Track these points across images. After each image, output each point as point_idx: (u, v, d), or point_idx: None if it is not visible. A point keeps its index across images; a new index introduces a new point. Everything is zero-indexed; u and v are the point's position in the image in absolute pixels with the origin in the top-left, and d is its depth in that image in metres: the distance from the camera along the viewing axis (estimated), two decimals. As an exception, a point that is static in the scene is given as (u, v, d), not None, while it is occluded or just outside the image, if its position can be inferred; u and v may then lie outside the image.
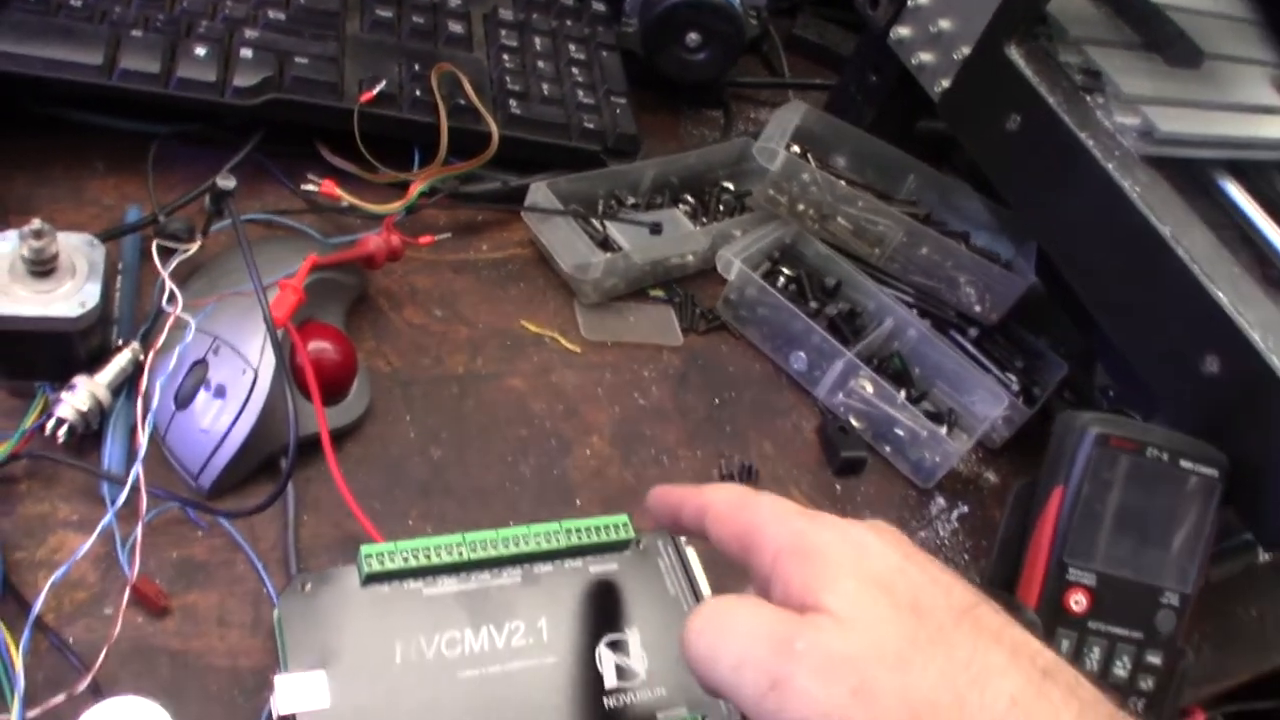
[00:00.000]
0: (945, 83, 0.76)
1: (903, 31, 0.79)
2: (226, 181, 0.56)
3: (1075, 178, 0.67)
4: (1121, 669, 0.58)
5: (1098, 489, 0.58)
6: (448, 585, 0.54)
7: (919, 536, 0.70)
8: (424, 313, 0.69)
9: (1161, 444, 0.59)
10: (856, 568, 0.41)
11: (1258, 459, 0.60)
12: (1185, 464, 0.59)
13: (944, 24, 0.76)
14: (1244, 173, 0.75)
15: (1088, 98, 0.70)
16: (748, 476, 0.68)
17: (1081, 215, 0.68)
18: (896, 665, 0.37)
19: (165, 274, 0.56)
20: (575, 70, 0.80)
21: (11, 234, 0.54)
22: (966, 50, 0.74)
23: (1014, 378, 0.78)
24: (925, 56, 0.78)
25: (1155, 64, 0.75)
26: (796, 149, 0.79)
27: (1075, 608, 0.57)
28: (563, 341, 0.71)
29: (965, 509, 0.73)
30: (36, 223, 0.53)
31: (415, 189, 0.69)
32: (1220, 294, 0.61)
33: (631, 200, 0.79)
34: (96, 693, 0.47)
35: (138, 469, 0.50)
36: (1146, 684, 0.59)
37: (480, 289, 0.72)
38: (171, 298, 0.55)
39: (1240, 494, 0.61)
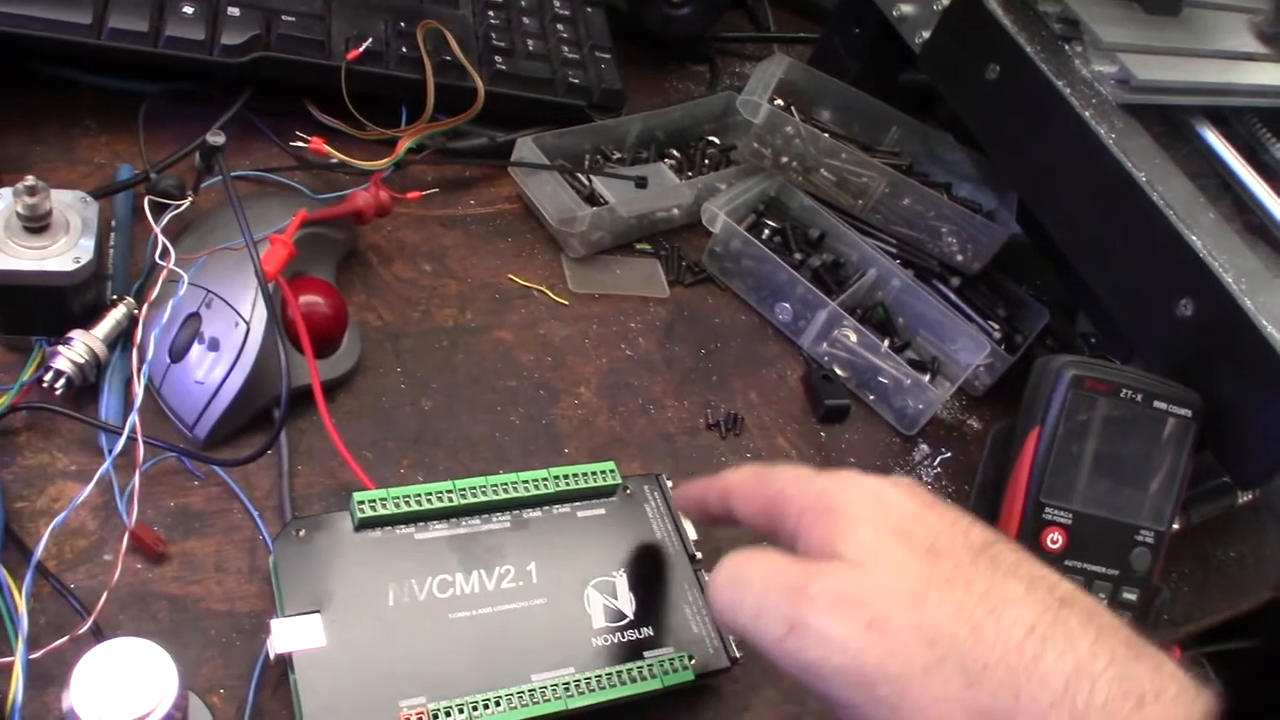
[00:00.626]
0: (925, 34, 0.77)
1: (884, -17, 0.80)
2: (216, 137, 0.57)
3: (1053, 126, 0.68)
4: (1098, 605, 0.60)
5: (1073, 430, 0.59)
6: (439, 530, 0.55)
7: (902, 482, 0.72)
8: (413, 267, 0.70)
9: (1136, 385, 0.60)
10: (874, 518, 0.42)
11: (1231, 400, 0.61)
12: (1159, 405, 0.60)
13: (925, -25, 0.77)
14: (1224, 120, 0.76)
15: (1066, 46, 0.71)
16: (733, 425, 0.70)
17: (1059, 163, 0.69)
18: (911, 601, 0.39)
19: (158, 229, 0.57)
20: (560, 26, 0.81)
21: (5, 191, 0.55)
22: (946, 1, 0.75)
23: (996, 326, 0.79)
24: (906, 8, 0.79)
25: (1134, 12, 0.76)
26: (780, 102, 0.80)
27: (1052, 546, 0.59)
28: (550, 295, 0.72)
29: (948, 455, 0.74)
30: (30, 179, 0.53)
31: (403, 145, 0.70)
32: (1194, 238, 0.62)
33: (617, 155, 0.80)
34: (97, 635, 0.49)
35: (134, 418, 0.51)
36: (1123, 620, 0.60)
37: (468, 243, 0.73)
38: (164, 252, 0.56)
39: (1215, 435, 0.62)
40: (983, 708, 0.37)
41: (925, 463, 0.73)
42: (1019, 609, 0.38)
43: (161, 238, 0.56)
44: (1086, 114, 0.67)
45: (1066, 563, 0.59)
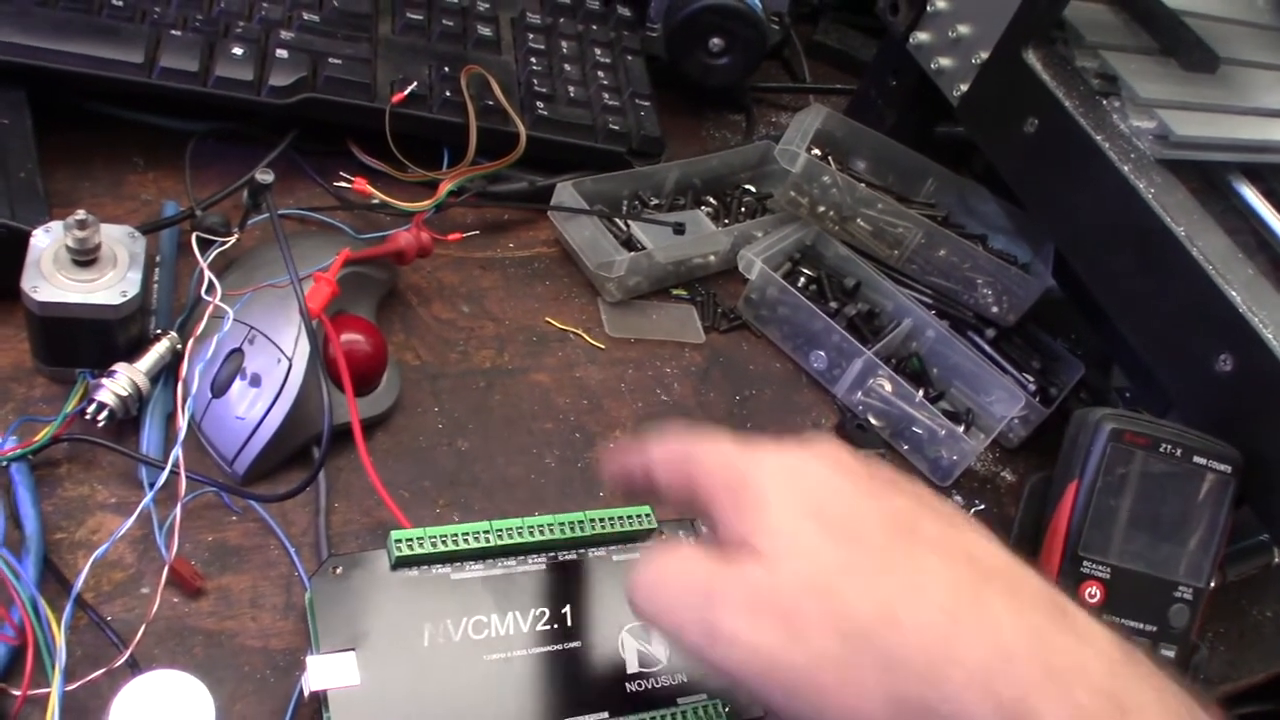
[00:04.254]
0: (964, 87, 0.77)
1: (922, 36, 0.80)
2: (265, 175, 0.58)
3: (1091, 180, 0.69)
4: (1135, 662, 0.59)
5: (1112, 484, 0.59)
6: (474, 571, 0.55)
7: (936, 533, 0.71)
8: (452, 308, 0.70)
9: (1175, 440, 0.60)
10: (786, 498, 0.40)
11: (1271, 456, 0.61)
12: (1199, 460, 0.60)
13: (963, 29, 0.77)
14: (1260, 176, 0.76)
15: (1104, 102, 0.72)
16: (768, 471, 0.70)
17: (1097, 217, 0.69)
18: (824, 592, 0.37)
19: (204, 264, 0.58)
20: (600, 73, 0.82)
21: (56, 225, 0.56)
22: (985, 55, 0.75)
23: (1031, 378, 0.79)
24: (944, 61, 0.79)
25: (1171, 69, 0.76)
26: (817, 152, 0.81)
27: (1090, 600, 0.58)
28: (587, 338, 0.72)
29: (982, 506, 0.74)
30: (81, 214, 0.54)
31: (444, 188, 0.71)
32: (1234, 294, 0.62)
33: (655, 201, 0.80)
34: (134, 668, 0.49)
35: (177, 453, 0.52)
36: (1159, 677, 0.60)
37: (507, 286, 0.73)
38: (210, 288, 0.57)
39: (1254, 491, 0.62)
40: (901, 694, 0.36)
41: (959, 514, 0.73)
42: (937, 590, 0.37)
43: (208, 273, 0.57)
44: (1125, 169, 0.67)
45: (1104, 617, 0.58)
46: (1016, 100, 0.73)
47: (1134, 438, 0.59)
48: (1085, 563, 0.58)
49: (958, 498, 0.74)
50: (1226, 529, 0.61)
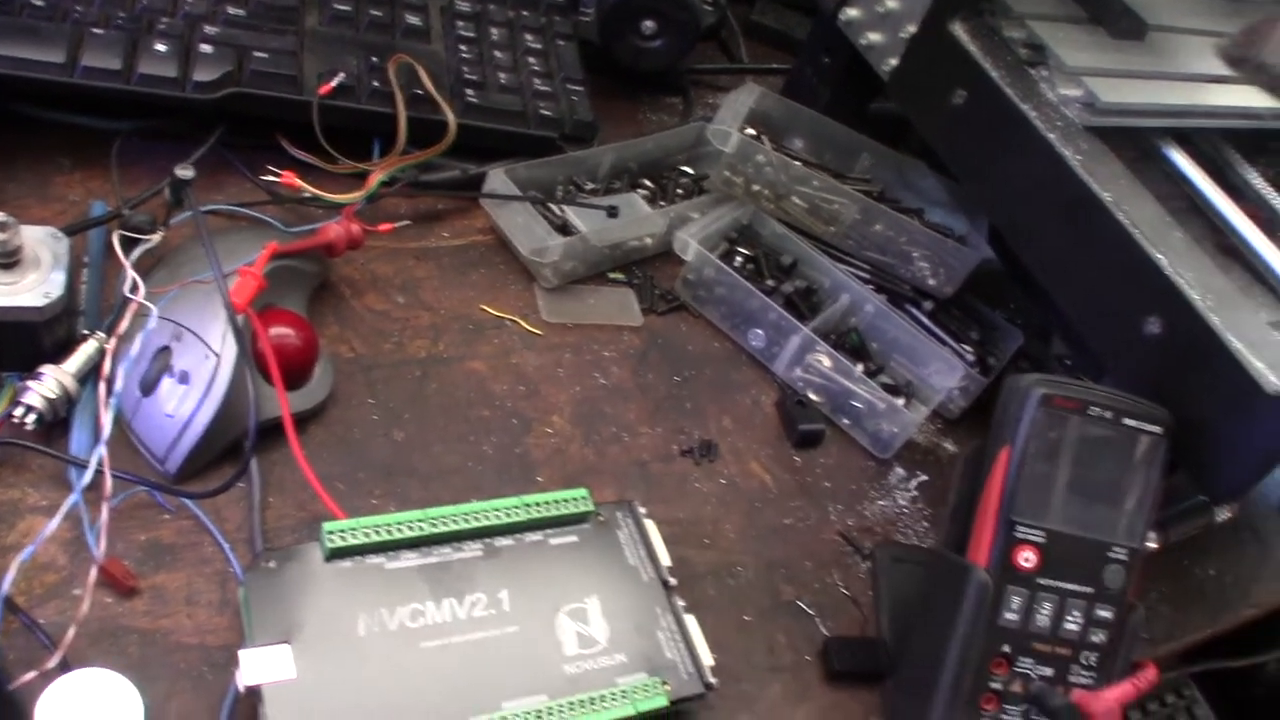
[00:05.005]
0: (893, 61, 0.78)
1: (852, 13, 0.80)
2: (185, 171, 0.58)
3: (1019, 149, 0.69)
4: (1073, 623, 0.60)
5: (1043, 448, 0.59)
6: (410, 560, 0.55)
7: (878, 505, 0.72)
8: (386, 299, 0.70)
9: (1104, 403, 0.60)
10: None
11: (1201, 416, 0.61)
12: (1129, 422, 0.60)
13: (891, 4, 0.77)
14: (1190, 141, 0.77)
15: (1031, 71, 0.72)
16: (707, 451, 0.70)
17: (1026, 186, 0.70)
18: None
19: (127, 263, 0.57)
20: (532, 59, 0.82)
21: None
22: (913, 29, 0.76)
23: (970, 349, 0.79)
24: (874, 37, 0.79)
25: (1099, 37, 0.77)
26: (751, 131, 0.81)
27: (1025, 565, 0.59)
28: (523, 324, 0.72)
29: (924, 478, 0.74)
30: (7, 215, 0.54)
31: (375, 178, 0.71)
32: (1160, 257, 0.63)
33: (590, 185, 0.80)
34: (66, 669, 0.48)
35: (101, 452, 0.51)
36: (1098, 637, 0.60)
37: (441, 275, 0.73)
38: (134, 286, 0.56)
39: (1186, 451, 0.62)
40: None
41: (901, 485, 0.73)
42: None
43: (131, 272, 0.57)
44: (1052, 137, 0.67)
45: (1040, 580, 0.59)
46: (944, 73, 0.73)
47: (1064, 402, 0.60)
48: (1019, 527, 0.59)
49: (900, 470, 0.74)
50: (1159, 490, 0.61)
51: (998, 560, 0.59)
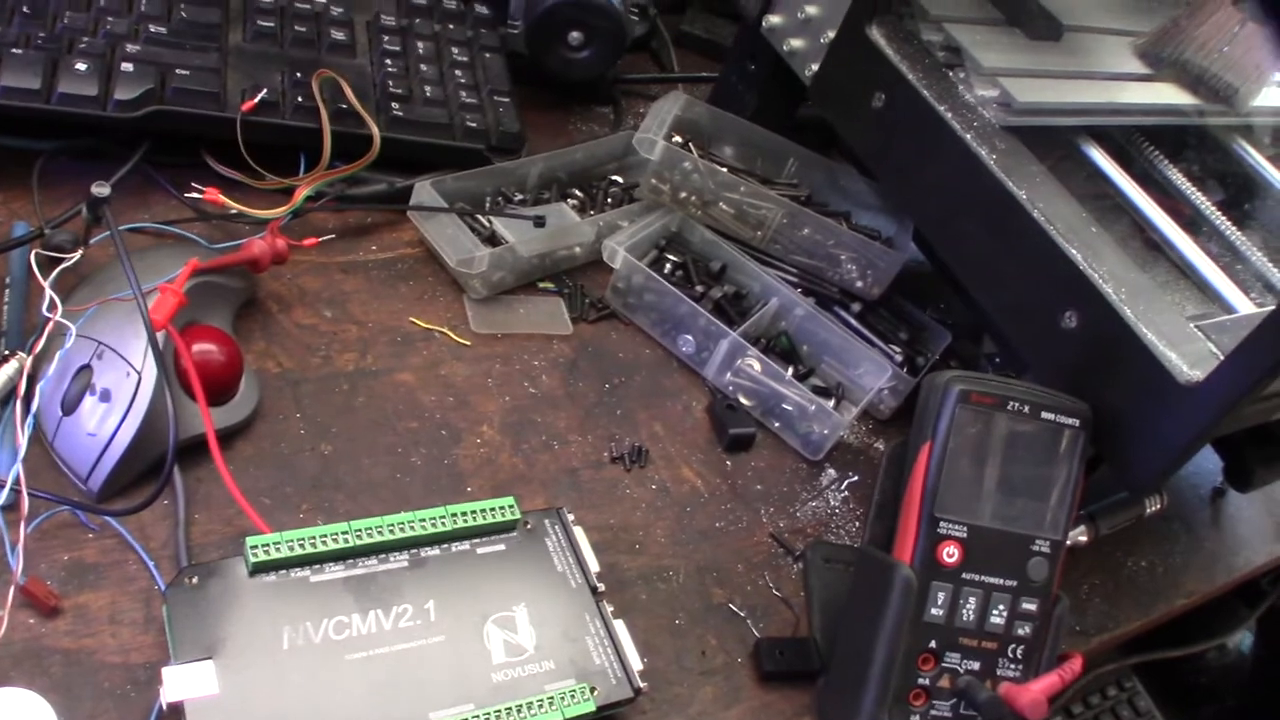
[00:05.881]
0: (814, 67, 0.79)
1: (774, 19, 0.81)
2: (101, 189, 0.57)
3: (938, 150, 0.70)
4: (998, 616, 0.61)
5: (963, 444, 0.60)
6: (335, 572, 0.55)
7: (810, 507, 0.73)
8: (313, 313, 0.70)
9: (1022, 398, 0.61)
10: None
11: (1119, 408, 0.63)
12: (1047, 416, 0.61)
13: (811, 9, 0.78)
14: (1111, 139, 0.78)
15: (949, 73, 0.73)
16: (638, 457, 0.70)
17: (946, 186, 0.70)
18: None
19: (45, 282, 0.57)
20: (458, 72, 0.82)
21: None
22: (832, 34, 0.77)
23: (898, 350, 0.80)
24: (795, 43, 0.80)
25: (1016, 38, 0.78)
26: (679, 139, 0.81)
27: (948, 560, 0.59)
28: (452, 336, 0.72)
29: (856, 478, 0.75)
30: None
31: (300, 193, 0.71)
32: (1074, 252, 0.64)
33: (520, 197, 0.80)
34: (-14, 692, 0.48)
35: (17, 469, 0.51)
36: (1024, 630, 0.61)
37: (369, 288, 0.73)
38: (52, 305, 0.56)
39: (1107, 443, 0.64)
40: None
41: (832, 487, 0.74)
42: None
43: (48, 290, 0.57)
44: (968, 136, 0.68)
45: (964, 575, 0.60)
46: (864, 77, 0.74)
47: (981, 398, 0.60)
48: (942, 523, 0.59)
49: (831, 471, 0.75)
50: (1080, 482, 0.62)
51: (922, 556, 0.60)
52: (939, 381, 0.61)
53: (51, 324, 0.56)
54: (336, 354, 0.69)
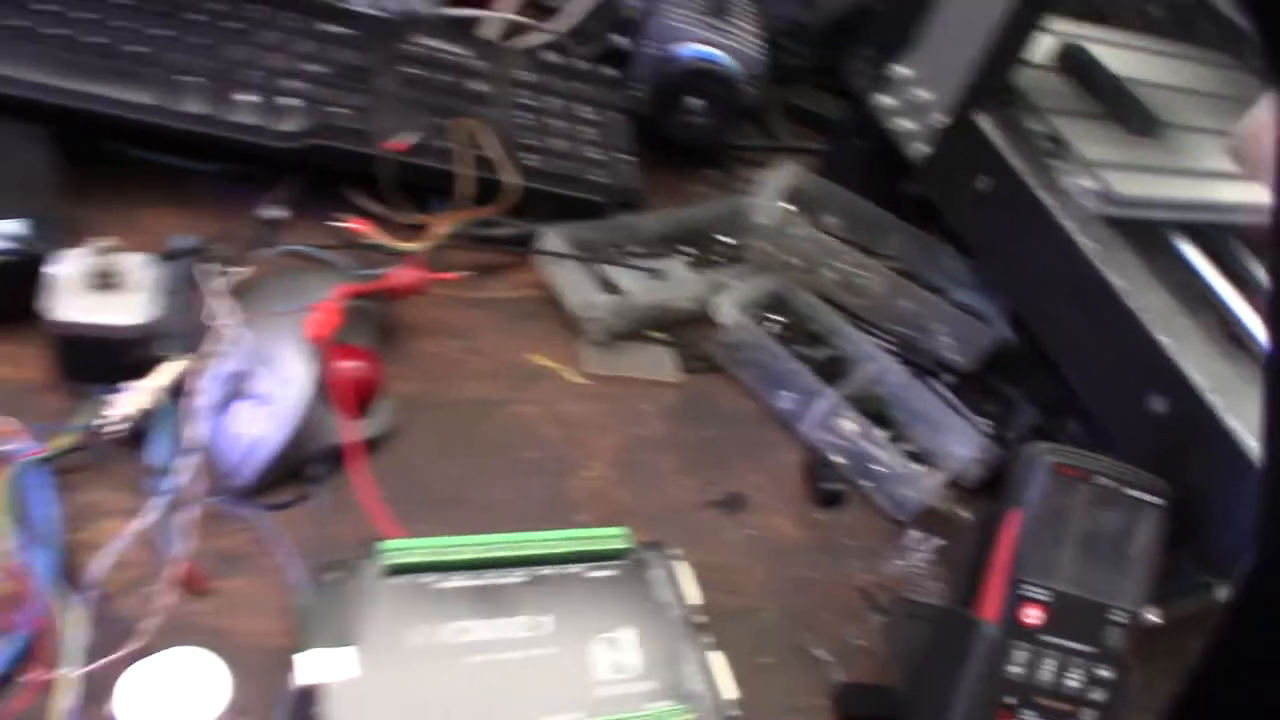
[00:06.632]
0: (921, 147, 0.83)
1: (885, 100, 0.86)
2: (275, 212, 0.63)
3: (1037, 234, 0.74)
4: (1074, 681, 0.63)
5: (1050, 513, 0.64)
6: (460, 581, 0.59)
7: (895, 564, 0.76)
8: (443, 343, 0.75)
9: (1108, 473, 0.64)
10: None
11: (1200, 491, 0.66)
12: (1131, 492, 0.65)
13: (921, 94, 0.83)
14: (1201, 234, 0.82)
15: (1051, 163, 0.77)
16: (736, 504, 0.74)
17: (1043, 269, 0.74)
18: None
19: (216, 293, 0.62)
20: (585, 129, 0.87)
21: (79, 251, 0.61)
22: (941, 118, 0.81)
23: (987, 423, 0.83)
24: (904, 123, 0.85)
25: (1115, 132, 0.82)
26: (789, 206, 0.86)
27: (1030, 621, 0.63)
28: (569, 375, 0.77)
29: (940, 542, 0.78)
30: (105, 241, 0.59)
31: (437, 231, 0.76)
32: (1165, 340, 0.67)
33: (635, 249, 0.85)
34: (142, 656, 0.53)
35: (183, 465, 0.56)
36: (1097, 696, 0.64)
37: (494, 324, 0.78)
38: (219, 314, 0.61)
39: (1184, 524, 0.66)
40: None
41: (917, 547, 0.77)
42: None
43: (218, 300, 0.62)
44: (1067, 224, 0.72)
45: (1043, 638, 0.63)
46: (970, 160, 0.79)
47: (1070, 470, 0.64)
48: (1025, 586, 0.63)
49: (916, 533, 0.78)
50: (1158, 557, 0.65)
51: (1005, 615, 0.63)
52: (1031, 452, 0.65)
53: (216, 331, 0.61)
54: (463, 382, 0.73)
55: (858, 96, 0.89)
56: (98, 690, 0.52)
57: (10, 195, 0.65)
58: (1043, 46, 0.85)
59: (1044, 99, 0.81)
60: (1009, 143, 0.77)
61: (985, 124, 0.78)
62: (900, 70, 0.85)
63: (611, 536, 0.64)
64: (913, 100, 0.84)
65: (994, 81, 0.78)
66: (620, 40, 0.99)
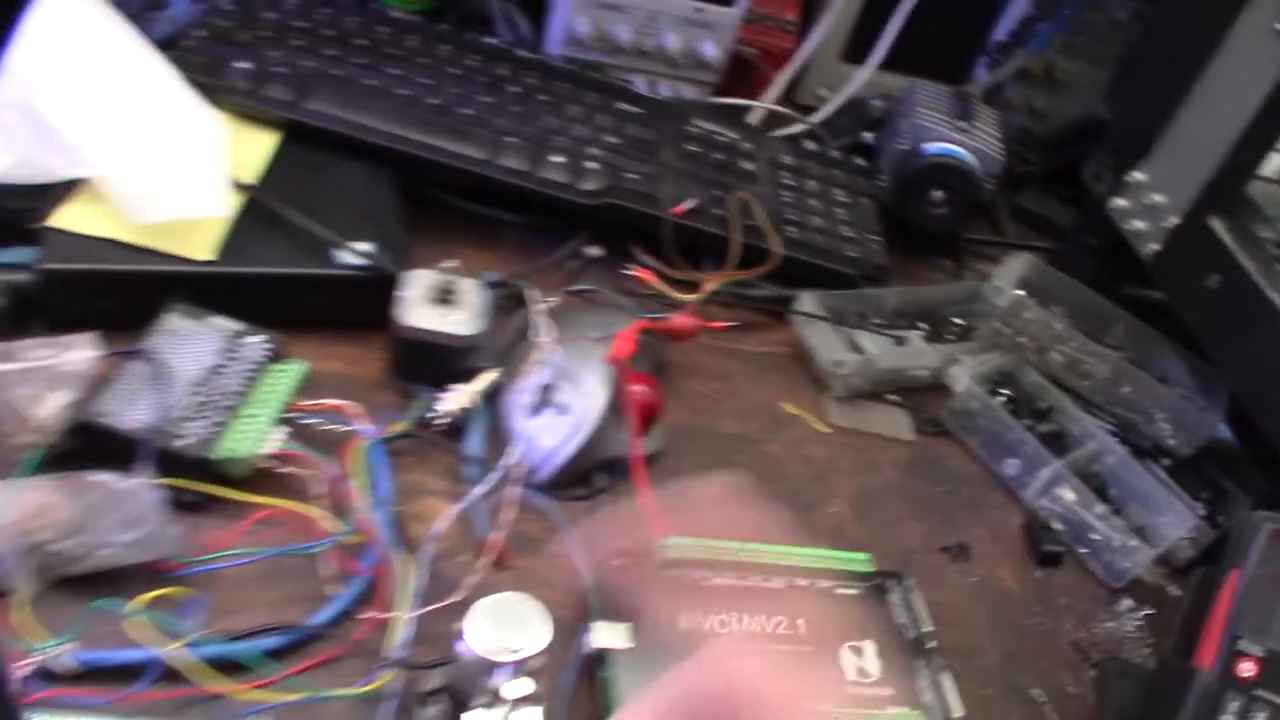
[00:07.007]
0: (1155, 246, 0.90)
1: (1121, 202, 0.93)
2: (594, 250, 0.73)
3: (1265, 330, 0.79)
4: (1282, 737, 0.68)
5: (1267, 576, 0.69)
6: (727, 579, 0.67)
7: (1105, 627, 0.81)
8: (704, 384, 0.84)
9: (1326, 546, 0.69)
10: None
11: None
12: (1346, 566, 0.69)
13: (1157, 197, 0.90)
14: None
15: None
16: (962, 552, 0.81)
17: (1270, 363, 0.80)
18: None
19: (536, 315, 0.73)
20: (839, 209, 0.96)
21: (424, 271, 0.72)
22: (1175, 220, 0.88)
23: (1200, 506, 0.88)
24: (1138, 224, 0.91)
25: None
26: (1022, 293, 0.93)
27: (1244, 675, 0.68)
28: (814, 423, 0.85)
29: (1150, 611, 0.83)
30: (451, 263, 0.70)
31: (708, 286, 0.85)
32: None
33: (877, 320, 0.93)
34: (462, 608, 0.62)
35: (497, 459, 0.66)
36: (1304, 754, 0.68)
37: (748, 373, 0.87)
38: (536, 332, 0.72)
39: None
40: None
41: (1128, 614, 0.82)
42: None
43: (537, 320, 0.72)
44: (1298, 322, 0.78)
45: (1256, 691, 0.67)
46: (1201, 260, 0.85)
47: (1289, 538, 0.69)
48: (1241, 641, 0.68)
49: (1128, 600, 0.83)
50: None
51: (1220, 668, 0.68)
52: (1253, 519, 0.70)
53: (536, 349, 0.71)
54: (721, 419, 0.82)
55: (1094, 198, 0.96)
56: (424, 632, 0.61)
57: (364, 222, 0.76)
58: (1273, 163, 0.91)
59: (1275, 209, 0.86)
60: (1239, 244, 0.83)
61: (1217, 226, 0.84)
62: (1137, 176, 0.92)
63: (857, 560, 0.71)
64: (1147, 203, 0.90)
65: (1229, 190, 0.85)
66: (867, 136, 1.09)
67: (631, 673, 0.61)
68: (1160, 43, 0.94)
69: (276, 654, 0.59)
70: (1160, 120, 0.91)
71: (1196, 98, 0.88)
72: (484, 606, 0.55)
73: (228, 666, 0.57)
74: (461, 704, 0.56)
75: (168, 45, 0.80)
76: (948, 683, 0.68)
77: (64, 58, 0.72)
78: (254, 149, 0.80)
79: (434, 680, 0.58)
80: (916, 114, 1.02)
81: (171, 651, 0.55)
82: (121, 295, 0.70)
